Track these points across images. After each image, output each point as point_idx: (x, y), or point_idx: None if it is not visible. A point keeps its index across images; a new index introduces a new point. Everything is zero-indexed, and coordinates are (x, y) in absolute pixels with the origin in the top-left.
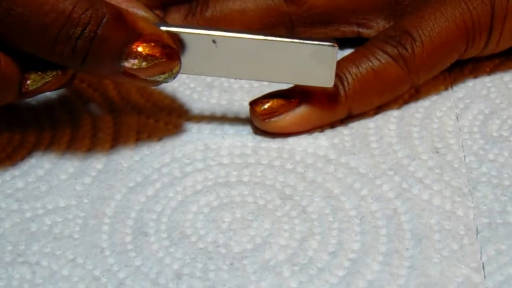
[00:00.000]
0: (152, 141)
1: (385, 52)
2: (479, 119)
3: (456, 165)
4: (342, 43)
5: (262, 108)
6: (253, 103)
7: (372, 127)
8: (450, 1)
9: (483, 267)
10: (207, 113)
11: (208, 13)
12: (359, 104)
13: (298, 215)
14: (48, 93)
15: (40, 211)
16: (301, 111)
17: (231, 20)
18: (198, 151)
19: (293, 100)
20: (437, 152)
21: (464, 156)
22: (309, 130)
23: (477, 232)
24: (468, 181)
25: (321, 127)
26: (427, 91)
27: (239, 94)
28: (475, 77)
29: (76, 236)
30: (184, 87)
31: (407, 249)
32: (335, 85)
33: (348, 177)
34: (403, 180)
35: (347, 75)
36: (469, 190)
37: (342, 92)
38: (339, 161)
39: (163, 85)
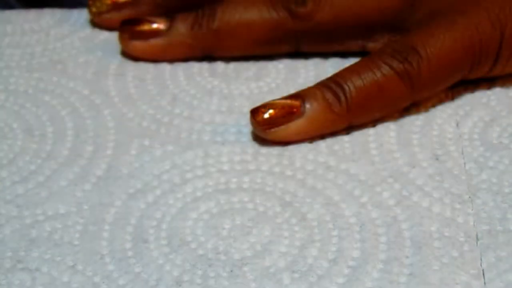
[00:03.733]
0: (152, 148)
1: (391, 67)
2: (479, 126)
3: (456, 172)
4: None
5: (263, 117)
6: (254, 112)
7: (372, 134)
8: (461, 23)
9: (483, 274)
10: (207, 119)
11: (214, 25)
12: (360, 117)
13: (298, 222)
14: (49, 99)
15: (40, 217)
16: (301, 123)
17: (238, 34)
18: (198, 157)
19: (293, 110)
20: (437, 159)
21: (464, 163)
22: (309, 139)
23: (477, 239)
24: (468, 188)
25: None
26: (428, 98)
27: (239, 101)
28: (476, 84)
29: (76, 242)
30: (184, 93)
31: (407, 257)
32: (337, 96)
33: (348, 184)
34: (403, 187)
35: (350, 86)
36: (469, 197)
37: (344, 104)
38: (339, 168)
39: (164, 92)
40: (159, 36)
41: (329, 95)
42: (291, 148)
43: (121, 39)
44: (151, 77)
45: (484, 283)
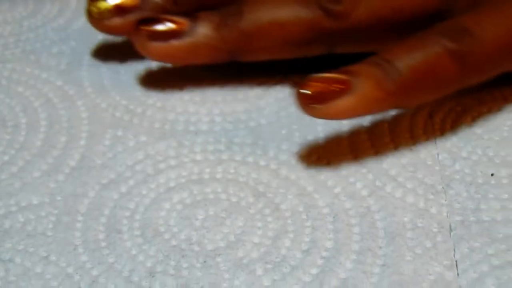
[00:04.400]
0: (125, 139)
1: (444, 46)
2: (451, 117)
3: (430, 163)
4: None
5: (308, 92)
6: (300, 85)
7: (345, 123)
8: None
9: (456, 265)
10: (180, 109)
11: (243, 25)
12: (409, 98)
13: (271, 212)
14: (22, 90)
15: (13, 208)
16: (349, 100)
17: (269, 34)
18: (171, 148)
19: (342, 86)
20: (410, 149)
21: (438, 154)
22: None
23: (451, 229)
24: (441, 179)
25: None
26: None
27: (212, 91)
28: None
29: (49, 233)
30: (158, 84)
31: (380, 247)
32: (387, 73)
33: (322, 174)
34: (376, 178)
35: (400, 64)
36: (442, 187)
37: (394, 82)
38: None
39: (136, 81)
40: (181, 37)
41: (378, 72)
42: (265, 137)
43: (137, 40)
44: (124, 67)
45: (458, 273)
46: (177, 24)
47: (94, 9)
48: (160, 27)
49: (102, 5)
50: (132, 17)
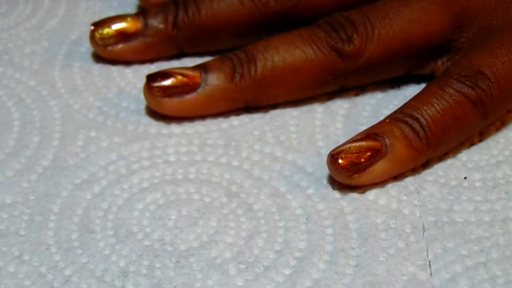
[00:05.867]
0: (98, 139)
1: (463, 94)
2: None
3: None
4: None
5: (345, 163)
6: (334, 158)
7: (318, 125)
8: None
9: (430, 265)
10: (153, 112)
11: (258, 74)
12: (438, 149)
13: (245, 213)
14: None
15: None
16: (385, 164)
17: (284, 80)
18: (144, 149)
19: (376, 153)
20: None
21: None
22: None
23: (424, 230)
24: (414, 180)
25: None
26: (374, 89)
27: None
28: (421, 75)
29: (22, 232)
30: (131, 86)
31: (353, 248)
32: (415, 130)
33: (295, 175)
34: None
35: (426, 118)
36: (416, 188)
37: (424, 139)
38: (285, 158)
39: (110, 84)
40: (196, 91)
41: (407, 131)
42: (238, 138)
43: (151, 99)
44: (97, 68)
45: (431, 274)
46: (189, 78)
47: (97, 35)
48: (172, 82)
49: (105, 30)
50: (135, 43)
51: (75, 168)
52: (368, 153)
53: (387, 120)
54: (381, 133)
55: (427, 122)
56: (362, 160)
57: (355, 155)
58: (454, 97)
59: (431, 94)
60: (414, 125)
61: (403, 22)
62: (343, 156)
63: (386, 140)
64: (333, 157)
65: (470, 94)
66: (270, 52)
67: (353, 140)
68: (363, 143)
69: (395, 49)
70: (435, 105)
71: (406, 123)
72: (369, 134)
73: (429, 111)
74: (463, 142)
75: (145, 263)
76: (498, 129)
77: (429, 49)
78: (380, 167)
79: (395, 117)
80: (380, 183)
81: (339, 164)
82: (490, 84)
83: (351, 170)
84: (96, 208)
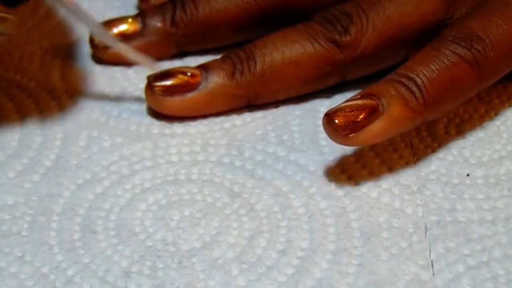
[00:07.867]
0: (101, 139)
1: (459, 55)
2: None
3: (405, 163)
4: None
5: (342, 122)
6: (330, 117)
7: (320, 124)
8: None
9: (432, 265)
10: (155, 112)
11: (258, 69)
12: (435, 111)
13: (247, 213)
14: None
15: None
16: (381, 124)
17: (284, 75)
18: (146, 149)
19: (373, 111)
20: (385, 149)
21: (413, 154)
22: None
23: (426, 230)
24: (417, 179)
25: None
26: None
27: None
28: None
29: (24, 233)
30: (133, 87)
31: (356, 247)
32: (411, 91)
33: (297, 174)
34: (351, 178)
35: (422, 79)
36: (418, 188)
37: (420, 99)
38: (288, 158)
39: (113, 83)
40: (196, 89)
41: (403, 91)
42: (240, 138)
43: (152, 98)
44: (99, 68)
45: (433, 274)
46: (190, 76)
47: (97, 38)
48: (173, 81)
49: None
50: (135, 44)
51: (77, 169)
52: (365, 112)
53: (382, 81)
54: (377, 93)
55: (423, 82)
56: (359, 119)
57: (351, 113)
58: (449, 58)
59: (426, 55)
60: (410, 85)
61: (395, 6)
62: (340, 114)
63: (382, 99)
64: (329, 116)
65: (466, 55)
66: (268, 48)
67: (348, 100)
68: (359, 102)
69: (390, 34)
70: (431, 65)
71: (402, 83)
72: (365, 94)
73: (424, 72)
74: (467, 137)
75: (148, 263)
76: (501, 124)
77: (424, 30)
78: (376, 126)
79: (391, 78)
80: (381, 182)
81: (335, 123)
82: (485, 45)
83: (348, 129)
84: (98, 208)
